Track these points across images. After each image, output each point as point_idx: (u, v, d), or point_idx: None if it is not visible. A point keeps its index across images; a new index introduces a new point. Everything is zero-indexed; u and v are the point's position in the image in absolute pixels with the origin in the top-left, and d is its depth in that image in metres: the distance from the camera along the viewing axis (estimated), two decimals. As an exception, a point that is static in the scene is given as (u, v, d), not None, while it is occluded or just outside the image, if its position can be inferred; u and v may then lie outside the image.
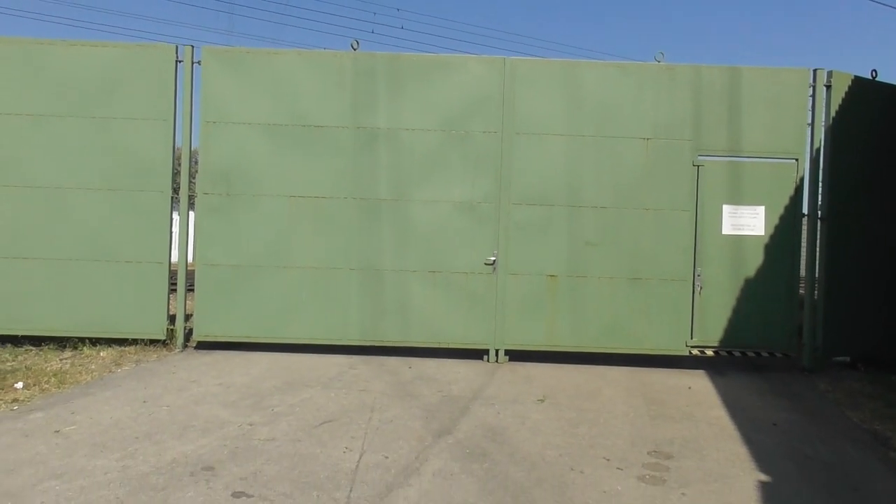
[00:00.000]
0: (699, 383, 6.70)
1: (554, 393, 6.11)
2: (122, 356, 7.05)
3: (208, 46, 7.40)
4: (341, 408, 5.41)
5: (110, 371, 6.46)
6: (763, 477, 4.15)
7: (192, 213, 7.61)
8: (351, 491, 3.73)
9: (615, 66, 7.37)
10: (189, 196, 7.52)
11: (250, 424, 4.89)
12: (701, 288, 7.27)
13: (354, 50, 7.37)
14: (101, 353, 7.08)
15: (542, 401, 5.82)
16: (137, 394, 5.65)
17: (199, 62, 7.37)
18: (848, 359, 7.66)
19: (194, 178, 7.55)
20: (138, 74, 7.33)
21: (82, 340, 7.31)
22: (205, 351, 7.44)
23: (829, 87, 7.19)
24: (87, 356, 7.00)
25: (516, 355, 7.41)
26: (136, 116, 7.31)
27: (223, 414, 5.15)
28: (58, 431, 4.63)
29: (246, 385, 6.06)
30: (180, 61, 7.38)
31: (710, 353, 7.33)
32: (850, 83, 7.24)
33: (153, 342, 7.44)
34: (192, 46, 7.38)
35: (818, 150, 7.24)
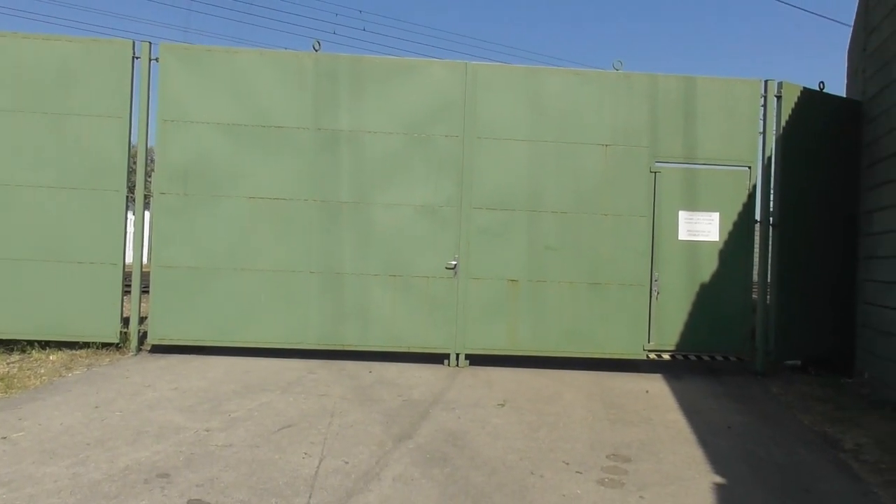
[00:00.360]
0: (656, 387, 6.82)
1: (514, 397, 6.15)
2: (73, 360, 6.84)
3: (166, 43, 7.25)
4: (301, 413, 5.35)
5: (61, 375, 6.27)
6: (718, 479, 4.24)
7: (147, 214, 7.44)
8: (310, 497, 3.69)
9: (575, 74, 7.47)
10: (145, 195, 7.35)
11: (207, 430, 4.80)
12: (658, 293, 7.40)
13: (316, 51, 7.31)
14: (51, 357, 6.86)
15: (502, 405, 5.85)
16: (89, 399, 5.49)
17: (156, 59, 7.22)
18: (799, 362, 7.89)
19: (150, 177, 7.38)
20: (94, 70, 7.15)
21: (31, 343, 7.08)
22: (160, 355, 7.28)
23: (779, 97, 7.40)
24: (36, 360, 6.78)
25: (477, 359, 7.44)
26: (91, 113, 7.13)
27: (179, 419, 5.04)
28: (4, 438, 4.47)
29: (203, 389, 5.94)
30: (137, 58, 7.22)
31: (666, 356, 7.47)
32: (799, 94, 7.48)
33: (106, 346, 7.25)
34: (150, 43, 7.23)
35: (769, 158, 7.45)
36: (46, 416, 4.97)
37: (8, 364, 6.59)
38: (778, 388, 6.94)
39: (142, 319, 7.52)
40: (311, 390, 6.08)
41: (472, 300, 7.34)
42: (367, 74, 7.31)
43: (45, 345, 7.13)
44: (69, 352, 7.08)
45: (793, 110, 7.42)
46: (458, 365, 7.34)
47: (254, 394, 5.86)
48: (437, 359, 7.44)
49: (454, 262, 7.32)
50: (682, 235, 7.45)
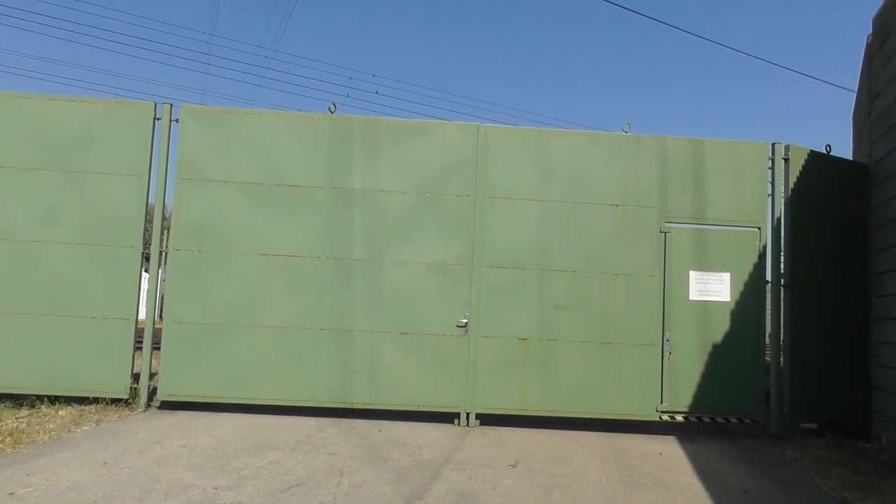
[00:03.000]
0: (670, 449, 6.70)
1: (526, 458, 6.06)
2: (81, 415, 6.82)
3: (186, 105, 7.49)
4: (310, 471, 5.28)
5: (69, 431, 6.24)
6: (735, 544, 4.14)
7: (161, 270, 7.53)
8: (319, 558, 3.62)
9: (583, 136, 7.62)
10: (160, 252, 7.45)
11: (215, 488, 4.74)
12: (670, 353, 7.36)
13: (332, 113, 7.52)
14: (60, 412, 6.85)
15: (514, 466, 5.75)
16: (97, 455, 5.45)
17: (176, 120, 7.45)
18: (815, 425, 7.75)
19: (165, 234, 7.51)
20: (116, 130, 7.37)
21: (40, 398, 7.07)
22: (169, 411, 7.24)
23: (786, 160, 7.52)
24: (44, 415, 6.76)
25: (487, 419, 7.35)
26: (111, 171, 7.31)
27: (187, 476, 4.99)
28: (12, 494, 4.44)
29: (211, 447, 5.89)
30: (158, 119, 7.44)
31: (679, 418, 7.36)
32: (806, 157, 7.59)
33: (115, 401, 7.23)
34: (171, 104, 7.47)
35: (779, 219, 7.51)
36: (54, 472, 4.93)
37: (17, 419, 6.57)
38: (794, 451, 6.80)
39: (151, 375, 7.51)
40: (320, 448, 6.01)
41: (482, 359, 7.31)
42: (382, 135, 7.49)
43: (54, 400, 7.12)
44: (78, 407, 7.06)
45: (800, 172, 7.52)
46: (468, 424, 7.25)
47: (262, 451, 5.80)
48: (447, 418, 7.36)
49: (465, 321, 7.33)
50: (693, 295, 7.45)
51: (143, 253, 7.32)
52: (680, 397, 7.34)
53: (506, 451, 6.30)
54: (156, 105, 7.45)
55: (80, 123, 7.36)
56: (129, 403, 7.22)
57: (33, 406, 7.01)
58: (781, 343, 7.46)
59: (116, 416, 6.93)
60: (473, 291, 7.37)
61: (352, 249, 7.38)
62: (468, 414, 7.28)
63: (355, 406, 7.26)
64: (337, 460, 5.65)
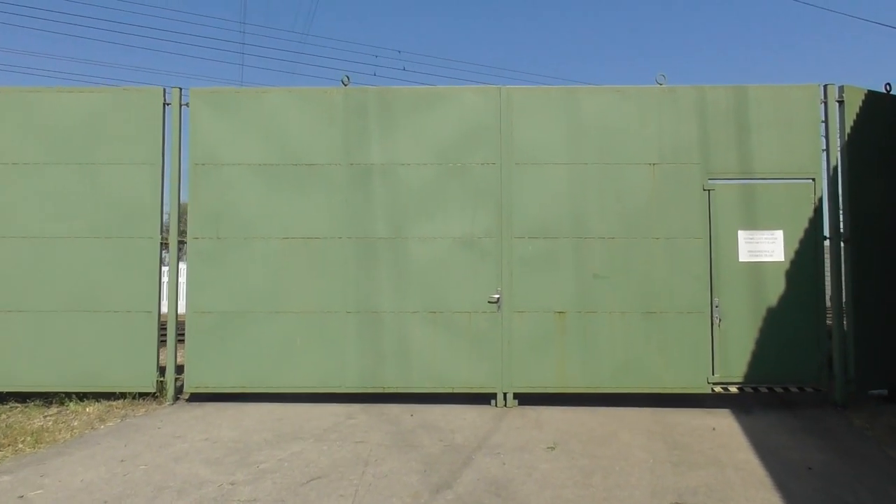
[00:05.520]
0: (724, 423, 6.19)
1: (565, 439, 5.65)
2: (108, 411, 6.68)
3: (196, 88, 7.21)
4: (333, 462, 4.98)
5: (93, 428, 6.08)
6: (801, 530, 3.67)
7: (180, 261, 7.32)
8: (331, 560, 3.30)
9: (615, 91, 7.06)
10: (178, 241, 7.24)
11: (231, 484, 4.48)
12: (720, 320, 6.81)
13: (345, 86, 7.15)
14: (88, 409, 6.72)
15: (552, 448, 5.35)
16: (116, 452, 5.26)
17: (186, 104, 7.18)
18: (885, 391, 7.12)
19: (183, 222, 7.28)
20: (126, 119, 7.15)
21: (69, 396, 6.97)
22: (196, 403, 7.05)
23: (841, 102, 6.84)
24: (72, 412, 6.64)
25: (526, 398, 6.96)
26: (123, 161, 7.11)
27: (204, 472, 4.74)
28: (22, 497, 4.26)
29: (234, 439, 5.65)
30: (168, 104, 7.19)
31: (733, 389, 6.82)
32: (863, 98, 6.89)
33: (143, 396, 7.08)
34: (180, 89, 7.20)
35: (835, 168, 6.84)
36: (69, 472, 4.74)
37: (44, 417, 6.47)
38: (862, 420, 6.21)
39: (179, 368, 7.33)
40: (346, 437, 5.71)
41: (517, 335, 6.90)
42: (397, 105, 7.09)
43: (83, 396, 7.01)
44: (106, 403, 6.93)
45: (858, 115, 6.83)
46: (505, 405, 6.87)
47: (286, 442, 5.53)
48: (484, 399, 6.99)
49: (497, 296, 6.92)
50: (743, 257, 6.87)
51: (161, 243, 7.11)
52: (733, 367, 6.80)
53: (545, 432, 5.90)
54: (164, 90, 7.19)
55: (88, 114, 7.16)
56: (157, 397, 7.06)
57: (62, 403, 6.91)
58: (844, 303, 6.83)
59: (143, 410, 6.77)
60: (504, 265, 6.94)
61: (374, 227, 7.02)
62: (505, 394, 6.89)
63: (387, 390, 6.95)
64: (363, 449, 5.34)
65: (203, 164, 7.10)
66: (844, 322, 6.83)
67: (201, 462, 5.00)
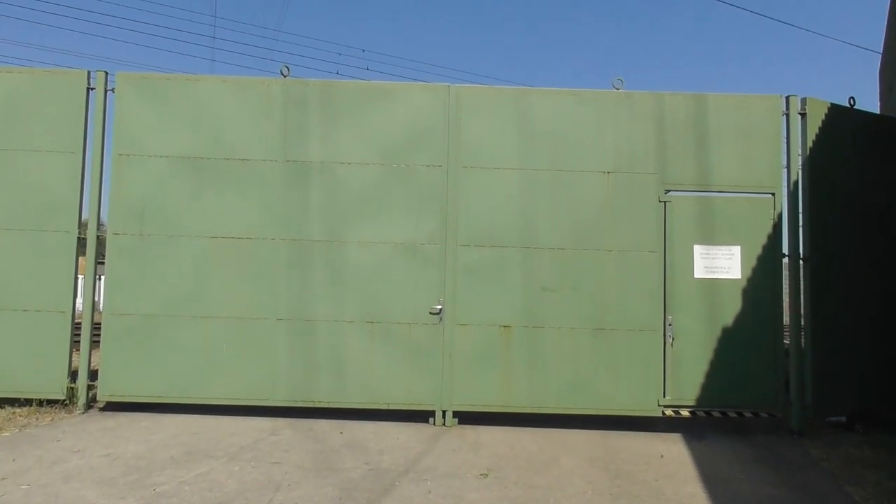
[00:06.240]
0: (673, 450, 5.81)
1: (501, 465, 5.21)
2: (10, 419, 6.11)
3: (124, 73, 6.69)
4: (241, 486, 4.49)
5: (-17, 439, 5.51)
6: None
7: (100, 258, 6.77)
8: None
9: (570, 94, 6.69)
10: (98, 237, 6.69)
11: (114, 510, 3.97)
12: (673, 339, 6.46)
13: (284, 77, 6.69)
14: (-13, 417, 6.13)
15: (485, 475, 4.91)
16: (1, 468, 4.71)
17: (112, 90, 6.66)
18: (843, 419, 6.80)
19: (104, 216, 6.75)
20: (46, 103, 6.61)
21: (-31, 402, 6.37)
22: (110, 413, 6.50)
23: (803, 115, 6.55)
24: (-32, 421, 6.05)
25: (467, 417, 6.52)
26: (41, 148, 6.56)
27: (91, 496, 4.22)
28: None
29: (138, 456, 5.12)
30: (92, 89, 6.67)
31: (685, 412, 6.47)
32: (826, 111, 6.62)
33: (52, 403, 6.51)
34: (106, 73, 6.68)
35: (796, 183, 6.55)
36: (-68, 493, 4.19)
37: (-64, 426, 5.87)
38: (819, 450, 5.88)
39: (94, 374, 6.77)
40: (263, 456, 5.21)
41: (459, 349, 6.46)
42: (341, 100, 6.64)
43: (-14, 403, 6.42)
44: (10, 409, 6.35)
45: (820, 129, 6.55)
46: (444, 423, 6.42)
47: (195, 461, 5.02)
48: (422, 416, 6.54)
49: (439, 307, 6.48)
50: (699, 273, 6.53)
51: (78, 238, 6.56)
52: (685, 389, 6.43)
53: (481, 455, 5.46)
54: (89, 73, 6.66)
55: (4, 96, 6.61)
56: (67, 405, 6.49)
57: (-39, 410, 6.31)
58: (802, 324, 6.52)
59: (49, 419, 6.20)
60: (448, 274, 6.51)
61: (310, 229, 6.55)
62: (444, 412, 6.45)
63: (318, 405, 6.46)
64: (278, 471, 4.85)
65: (128, 155, 6.57)
66: (802, 344, 6.51)
67: (93, 482, 4.47)
